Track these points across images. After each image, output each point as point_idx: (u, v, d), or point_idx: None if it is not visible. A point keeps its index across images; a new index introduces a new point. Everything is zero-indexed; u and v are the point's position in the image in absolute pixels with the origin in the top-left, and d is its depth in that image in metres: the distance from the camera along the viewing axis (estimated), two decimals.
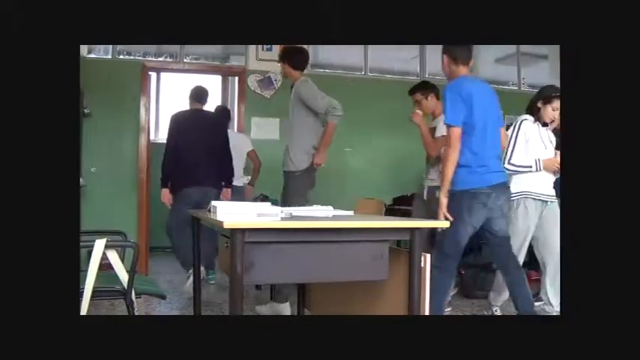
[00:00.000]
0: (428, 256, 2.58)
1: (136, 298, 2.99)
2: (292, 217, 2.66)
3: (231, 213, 2.62)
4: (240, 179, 6.04)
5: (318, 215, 2.81)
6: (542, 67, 8.23)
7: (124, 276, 2.83)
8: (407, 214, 5.67)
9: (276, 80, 6.89)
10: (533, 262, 7.03)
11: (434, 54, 7.56)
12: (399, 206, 6.34)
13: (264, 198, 6.00)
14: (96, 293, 2.76)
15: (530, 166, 3.90)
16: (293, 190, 4.41)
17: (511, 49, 7.94)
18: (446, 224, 2.72)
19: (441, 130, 4.51)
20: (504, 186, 3.62)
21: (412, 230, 2.55)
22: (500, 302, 4.34)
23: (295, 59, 4.58)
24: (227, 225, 2.24)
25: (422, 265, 2.56)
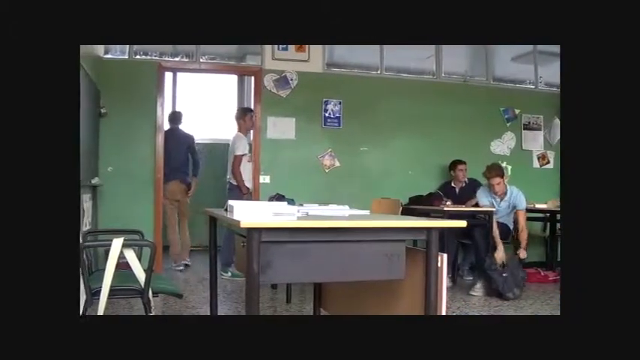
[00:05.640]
0: (445, 256, 2.57)
1: (153, 297, 3.01)
2: (308, 217, 2.66)
3: (248, 212, 2.62)
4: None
5: (335, 215, 2.81)
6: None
7: (141, 275, 2.85)
8: (423, 214, 5.64)
9: (292, 80, 6.89)
10: (550, 262, 7.04)
11: (450, 53, 7.52)
12: (416, 206, 6.32)
13: (279, 197, 6.01)
14: (113, 292, 2.78)
15: None
16: None
17: (527, 47, 7.87)
18: (462, 224, 2.70)
19: None
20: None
21: (429, 230, 2.54)
22: None
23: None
24: (244, 224, 2.25)
25: (438, 265, 2.56)
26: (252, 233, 2.27)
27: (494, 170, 5.94)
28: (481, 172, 7.04)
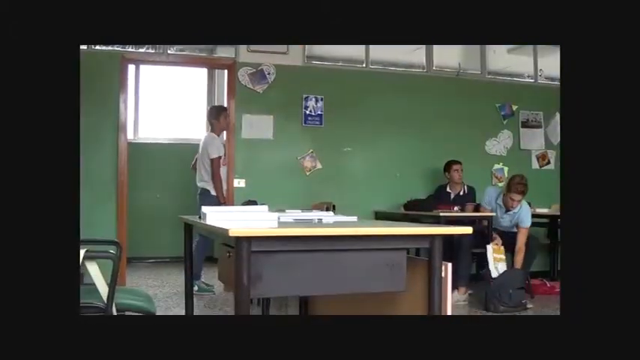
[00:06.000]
0: (449, 265, 2.60)
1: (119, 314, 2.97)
2: (301, 224, 2.68)
3: (227, 220, 2.62)
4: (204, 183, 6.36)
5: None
6: None
7: (104, 290, 2.81)
8: (416, 220, 5.68)
9: (269, 74, 6.87)
10: (555, 272, 7.11)
11: (441, 45, 7.53)
12: (414, 211, 6.37)
13: (251, 204, 6.00)
14: None
15: None
16: None
17: None
18: (468, 230, 2.75)
19: None
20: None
21: (432, 237, 2.57)
22: None
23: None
24: (233, 233, 2.25)
25: (442, 275, 2.59)
26: (242, 243, 2.28)
27: (521, 186, 5.87)
28: (474, 176, 7.12)
